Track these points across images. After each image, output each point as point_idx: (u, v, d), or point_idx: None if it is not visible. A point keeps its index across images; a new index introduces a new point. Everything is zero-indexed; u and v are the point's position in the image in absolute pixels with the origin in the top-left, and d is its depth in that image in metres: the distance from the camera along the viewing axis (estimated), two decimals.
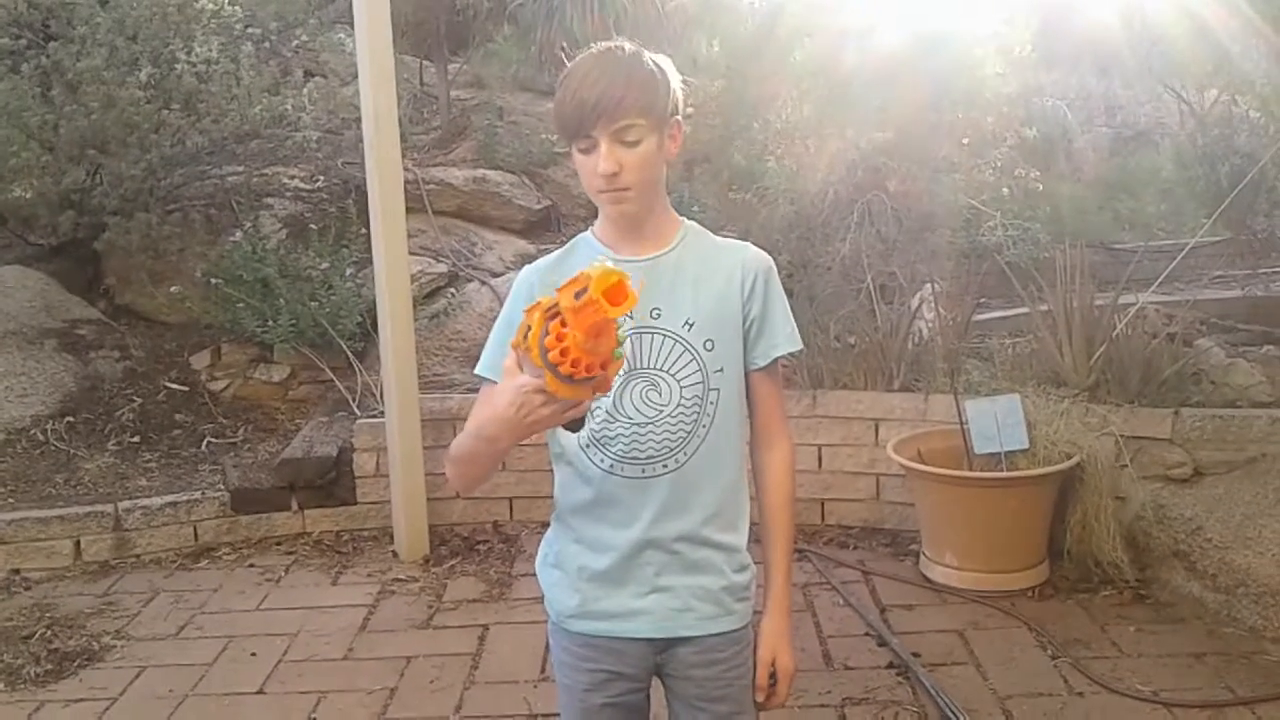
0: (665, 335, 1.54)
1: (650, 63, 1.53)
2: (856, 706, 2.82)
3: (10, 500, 4.01)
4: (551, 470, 1.65)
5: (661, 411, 1.52)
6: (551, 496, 1.67)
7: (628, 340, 1.36)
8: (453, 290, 5.09)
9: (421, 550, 3.91)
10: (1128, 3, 5.02)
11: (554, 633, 1.66)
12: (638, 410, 1.53)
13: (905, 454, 3.56)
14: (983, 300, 4.23)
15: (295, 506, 4.08)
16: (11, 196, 4.89)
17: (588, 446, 1.55)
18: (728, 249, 1.62)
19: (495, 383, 1.41)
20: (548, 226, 6.08)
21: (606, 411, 1.53)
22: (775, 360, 1.59)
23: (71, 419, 4.38)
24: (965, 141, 5.07)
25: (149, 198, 4.92)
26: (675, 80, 1.55)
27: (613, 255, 1.56)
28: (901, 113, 5.10)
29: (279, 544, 4.04)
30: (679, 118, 1.55)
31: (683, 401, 1.53)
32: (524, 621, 3.38)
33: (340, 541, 4.06)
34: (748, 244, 1.64)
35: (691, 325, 1.54)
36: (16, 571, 3.84)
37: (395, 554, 3.93)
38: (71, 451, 4.27)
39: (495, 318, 1.68)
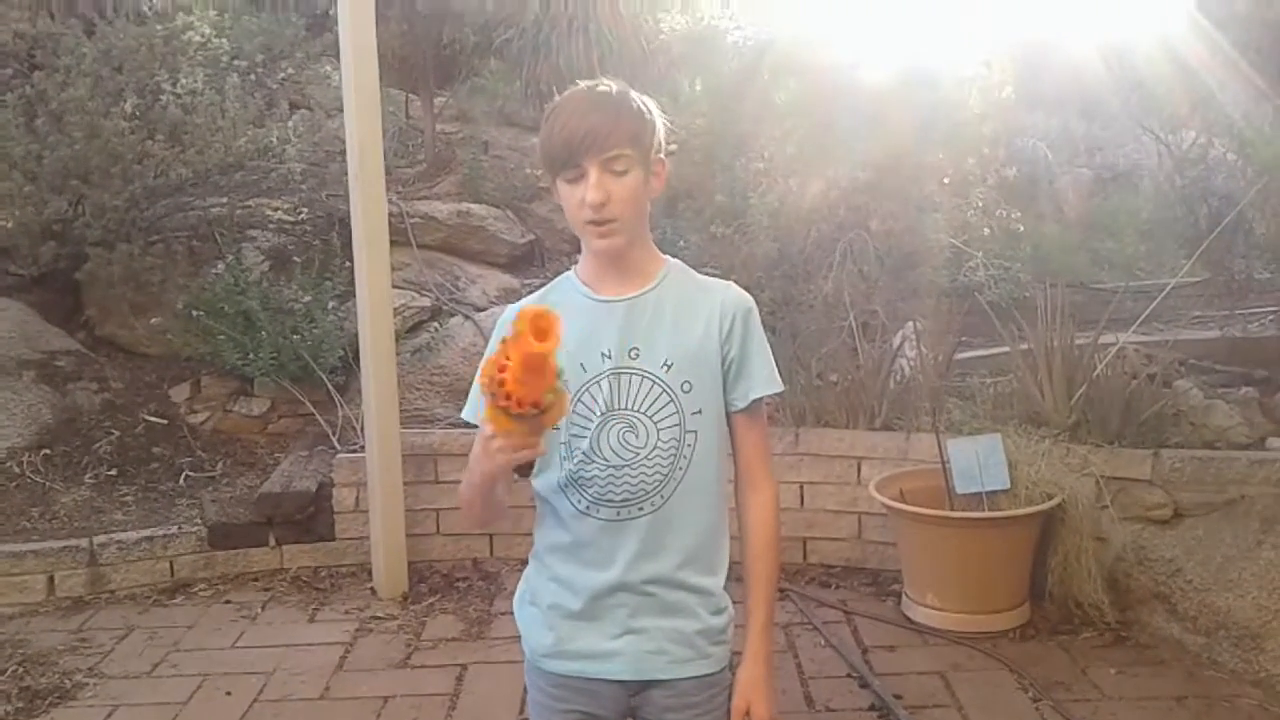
0: (644, 376, 1.53)
1: (636, 100, 1.55)
2: None
3: None
4: (533, 506, 1.64)
5: (639, 454, 1.52)
6: (531, 535, 1.66)
7: (565, 380, 1.33)
8: (436, 324, 5.08)
9: (400, 587, 3.87)
10: (1109, 44, 5.09)
11: (529, 671, 1.65)
12: (614, 452, 1.52)
13: (887, 493, 3.56)
14: (964, 339, 4.24)
15: (273, 542, 4.04)
16: None
17: (565, 487, 1.55)
18: (708, 289, 1.60)
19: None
20: (532, 261, 6.08)
21: (584, 453, 1.53)
22: (755, 402, 1.58)
23: (48, 451, 4.32)
24: (946, 181, 5.12)
25: (131, 229, 4.90)
26: (659, 118, 1.56)
27: (592, 295, 1.57)
28: (883, 152, 5.14)
29: (256, 580, 3.99)
30: (662, 155, 1.55)
31: (659, 444, 1.52)
32: (503, 661, 3.34)
33: (318, 578, 4.01)
34: (730, 284, 1.63)
35: (670, 366, 1.53)
36: None
37: (374, 591, 3.89)
38: (47, 485, 4.22)
39: (478, 353, 1.69)
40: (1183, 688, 3.04)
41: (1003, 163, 5.17)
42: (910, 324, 4.33)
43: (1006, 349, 3.90)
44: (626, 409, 1.53)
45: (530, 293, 1.80)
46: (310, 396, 4.56)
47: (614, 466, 1.52)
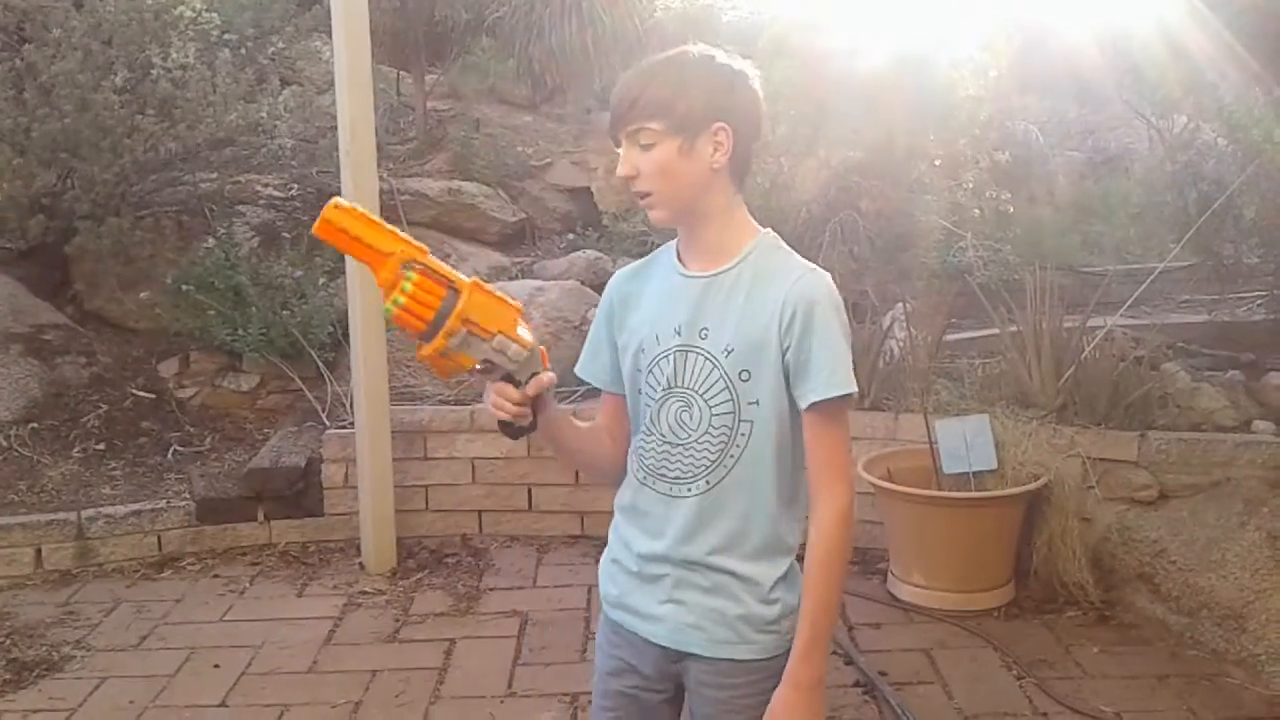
0: (706, 358, 1.50)
1: (693, 66, 1.49)
2: None
3: None
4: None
5: (691, 435, 1.51)
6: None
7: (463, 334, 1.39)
8: None
9: (389, 563, 3.88)
10: (1102, 27, 5.08)
11: (601, 616, 1.70)
12: (671, 430, 1.52)
13: (875, 473, 3.57)
14: (953, 321, 4.26)
15: (261, 517, 4.04)
16: None
17: (632, 454, 1.59)
18: (780, 275, 1.50)
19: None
20: (523, 239, 6.07)
21: (646, 425, 1.56)
22: (817, 405, 1.45)
23: (36, 425, 4.30)
24: (938, 163, 5.11)
25: (121, 203, 4.87)
26: (727, 85, 1.49)
27: (679, 268, 1.56)
28: (875, 133, 5.13)
29: (244, 554, 4.00)
30: (723, 124, 1.47)
31: (711, 429, 1.50)
32: (491, 636, 3.36)
33: (306, 553, 4.02)
34: (808, 271, 1.50)
35: (730, 352, 1.49)
36: None
37: (362, 566, 3.90)
38: (35, 458, 4.21)
39: None
40: (1165, 667, 3.07)
41: (995, 145, 5.17)
42: (900, 305, 4.34)
43: (996, 331, 3.91)
44: (686, 388, 1.51)
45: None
46: (300, 372, 4.55)
47: (669, 443, 1.52)
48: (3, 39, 5.36)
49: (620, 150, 1.51)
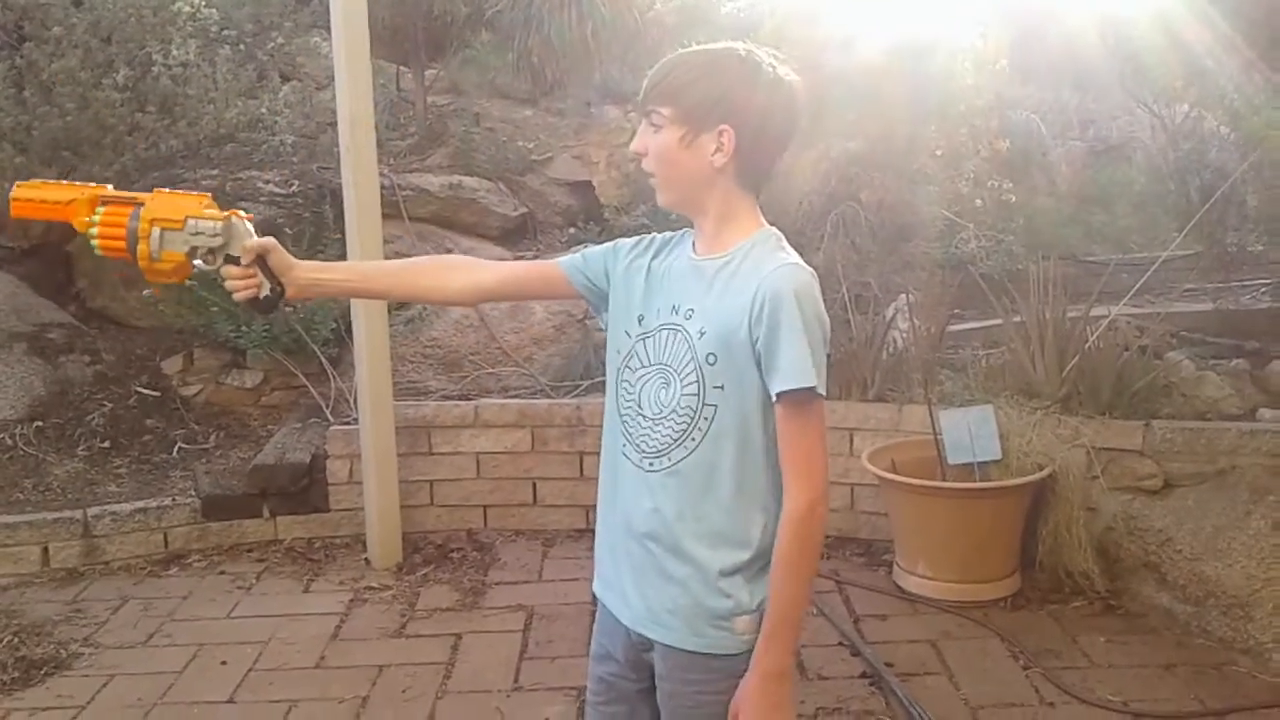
0: (684, 337, 1.53)
1: (723, 64, 1.50)
2: (830, 717, 2.82)
3: None
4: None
5: (662, 411, 1.53)
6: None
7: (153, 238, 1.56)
8: None
9: (394, 558, 3.89)
10: (1103, 16, 5.07)
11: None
12: (648, 403, 1.55)
13: (880, 464, 3.57)
14: (957, 311, 4.25)
15: (267, 513, 4.04)
16: None
17: (621, 419, 1.59)
18: (760, 266, 1.50)
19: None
20: (524, 234, 6.05)
21: (632, 397, 1.57)
22: (784, 396, 1.45)
23: (41, 423, 4.31)
24: (939, 153, 5.11)
25: None
26: (748, 89, 1.48)
27: (690, 250, 1.59)
28: (876, 124, 5.13)
29: (250, 551, 4.00)
30: (727, 127, 1.48)
31: (678, 408, 1.52)
32: (497, 631, 3.36)
33: (312, 549, 4.02)
34: (784, 265, 1.49)
35: (703, 335, 1.51)
36: None
37: (368, 562, 3.91)
38: (41, 456, 4.21)
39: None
40: (1172, 656, 3.08)
41: (996, 135, 5.16)
42: (903, 296, 4.33)
43: (999, 321, 3.91)
44: (666, 364, 1.54)
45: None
46: (303, 369, 4.55)
47: (645, 417, 1.55)
48: (1, 38, 5.36)
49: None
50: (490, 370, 4.64)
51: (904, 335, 4.10)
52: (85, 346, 4.74)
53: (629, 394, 1.58)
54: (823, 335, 1.47)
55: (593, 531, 1.71)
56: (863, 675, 3.03)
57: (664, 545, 1.54)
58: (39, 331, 4.73)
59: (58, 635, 3.42)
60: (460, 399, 4.31)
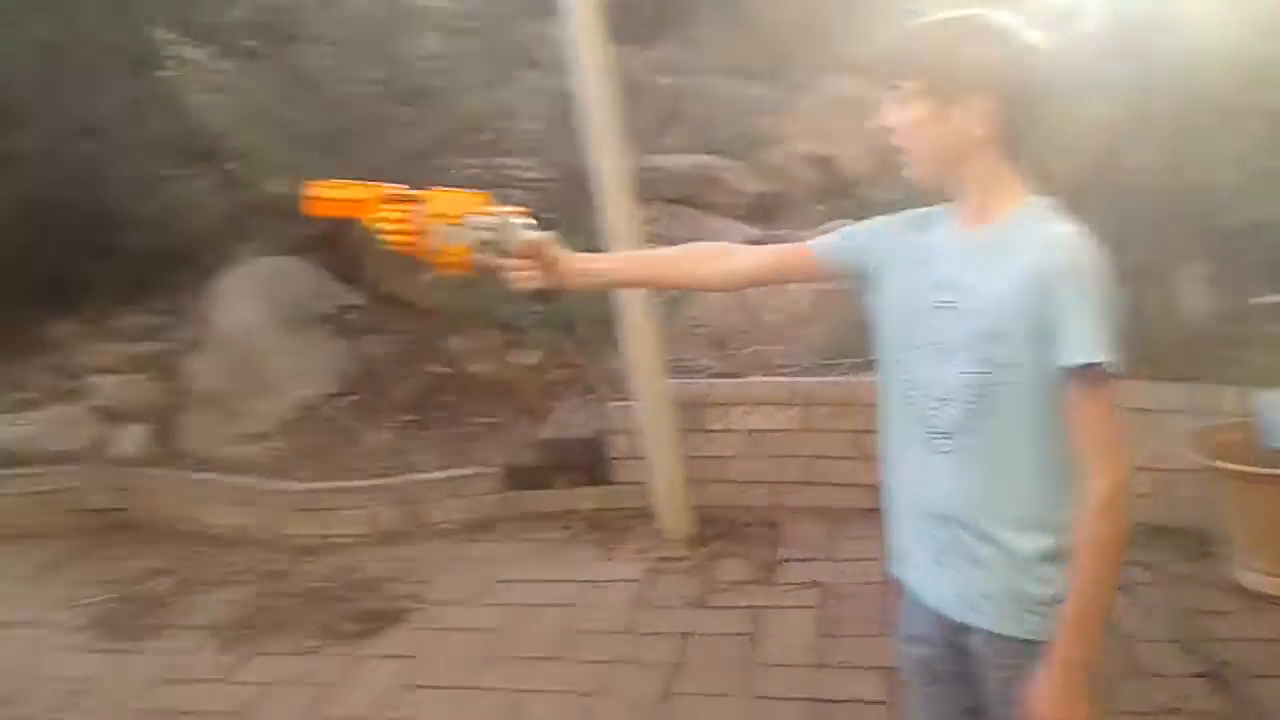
0: (964, 314, 1.50)
1: (971, 33, 1.45)
2: (1170, 717, 2.72)
3: (312, 471, 4.39)
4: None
5: (946, 391, 1.51)
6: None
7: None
8: None
9: (686, 530, 4.02)
10: None
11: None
12: (930, 383, 1.53)
13: (1201, 448, 3.38)
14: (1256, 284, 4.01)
15: (562, 485, 4.28)
16: (266, 192, 5.18)
17: (904, 399, 1.59)
18: (1037, 238, 1.45)
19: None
20: (772, 211, 6.07)
21: (910, 376, 1.57)
22: (1071, 371, 1.40)
23: (355, 397, 4.71)
24: (1221, 111, 4.80)
25: None
26: (1000, 57, 1.44)
27: (956, 228, 1.56)
28: (1142, 80, 4.86)
29: (550, 520, 4.24)
30: (981, 96, 1.44)
31: (962, 388, 1.49)
32: (793, 606, 3.44)
33: (606, 519, 4.22)
34: (1067, 235, 1.44)
35: (985, 312, 1.47)
36: (325, 536, 4.21)
37: (660, 533, 4.05)
38: (355, 428, 4.61)
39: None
40: None
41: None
42: (1191, 266, 4.13)
43: None
44: (942, 343, 1.52)
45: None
46: (578, 347, 4.77)
47: (928, 397, 1.53)
48: (260, 39, 5.66)
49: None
50: (756, 348, 4.72)
51: (1196, 309, 3.92)
52: (380, 327, 5.13)
53: (906, 374, 1.56)
54: (1112, 308, 1.41)
55: (879, 511, 1.70)
56: (1200, 675, 2.88)
57: (963, 527, 1.52)
58: (340, 313, 5.15)
59: (388, 591, 3.76)
60: (732, 377, 4.40)
